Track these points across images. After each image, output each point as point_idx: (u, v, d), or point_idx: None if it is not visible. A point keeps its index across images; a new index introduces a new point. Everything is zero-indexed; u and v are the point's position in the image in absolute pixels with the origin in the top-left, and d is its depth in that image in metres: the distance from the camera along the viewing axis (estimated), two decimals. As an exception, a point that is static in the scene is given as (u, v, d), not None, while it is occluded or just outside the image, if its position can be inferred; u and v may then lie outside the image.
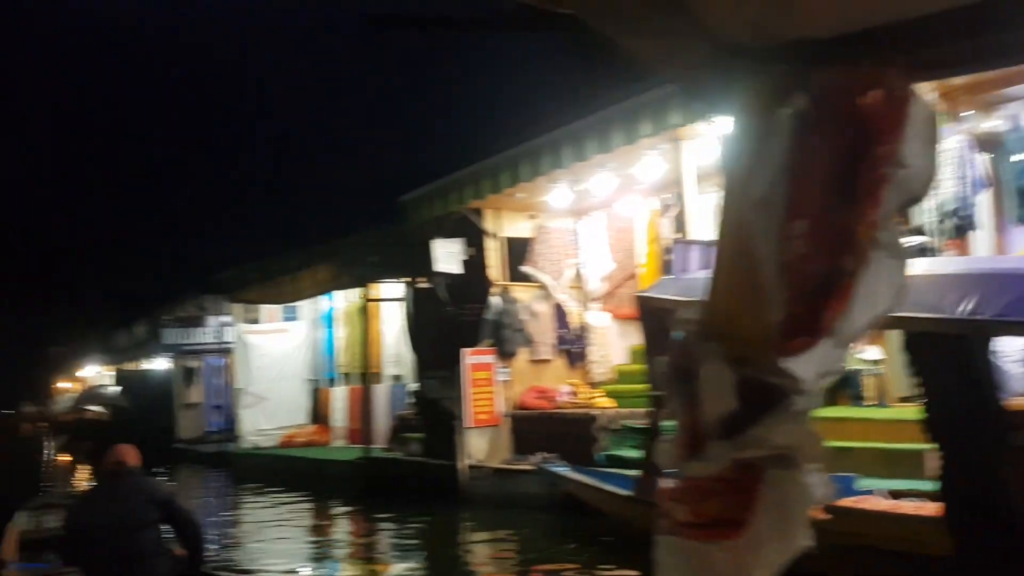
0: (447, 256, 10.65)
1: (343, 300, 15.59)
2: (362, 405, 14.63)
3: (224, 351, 18.94)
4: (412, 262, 11.55)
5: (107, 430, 24.02)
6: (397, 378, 14.61)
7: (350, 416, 15.02)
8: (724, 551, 1.33)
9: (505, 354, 10.84)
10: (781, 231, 1.24)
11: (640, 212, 11.57)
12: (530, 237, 11.38)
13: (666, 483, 1.55)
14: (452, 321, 10.91)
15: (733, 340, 1.31)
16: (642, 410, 10.08)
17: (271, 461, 14.52)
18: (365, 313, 14.85)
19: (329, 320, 16.01)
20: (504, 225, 11.23)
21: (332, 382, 16.03)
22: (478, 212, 10.95)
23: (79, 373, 37.56)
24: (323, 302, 16.18)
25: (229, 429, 18.89)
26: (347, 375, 15.65)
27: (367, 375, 12.89)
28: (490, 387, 10.61)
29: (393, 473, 11.46)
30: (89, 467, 20.98)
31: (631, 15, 1.36)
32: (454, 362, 10.60)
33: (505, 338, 10.80)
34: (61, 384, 41.57)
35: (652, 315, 7.05)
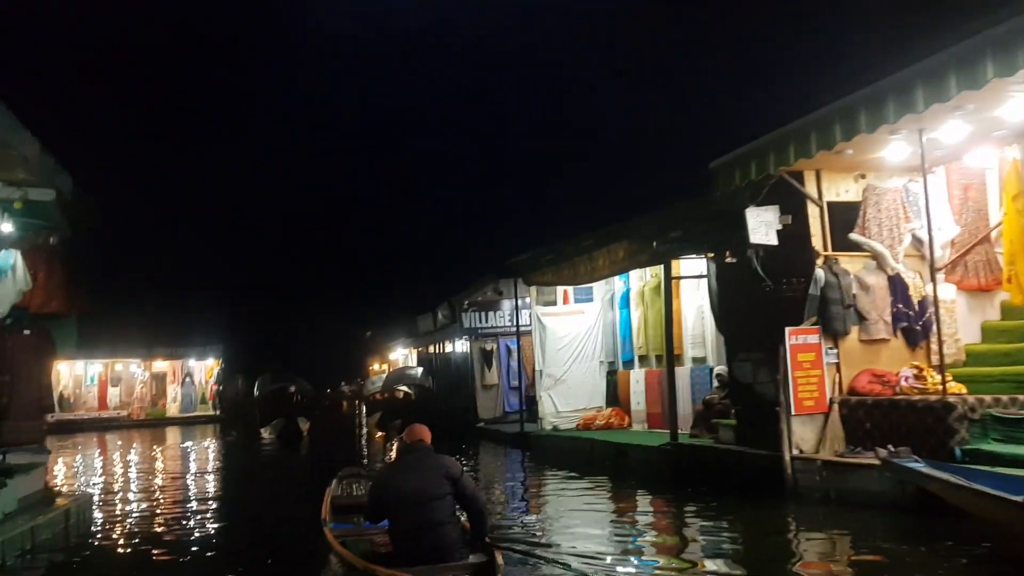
0: (762, 226, 9.64)
1: (638, 279, 15.06)
2: (661, 388, 14.04)
3: (519, 333, 19.23)
4: (718, 234, 10.69)
5: (414, 409, 25.59)
6: (699, 360, 13.83)
7: (648, 399, 14.49)
8: None
9: (833, 333, 9.63)
10: None
11: (994, 164, 9.80)
12: (858, 200, 10.04)
13: None
14: (768, 298, 9.89)
15: None
16: (1007, 396, 8.52)
17: (571, 443, 14.39)
18: (663, 292, 14.19)
19: (624, 300, 15.57)
20: (826, 188, 9.98)
21: (629, 364, 15.59)
22: (797, 175, 9.81)
23: (390, 355, 40.83)
24: (617, 282, 15.79)
25: (526, 410, 19.21)
26: (644, 357, 15.12)
27: (666, 357, 12.20)
28: (817, 370, 9.47)
29: (705, 462, 10.70)
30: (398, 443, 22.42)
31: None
32: (771, 343, 9.60)
33: (832, 315, 9.59)
34: (374, 366, 45.57)
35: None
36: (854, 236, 9.91)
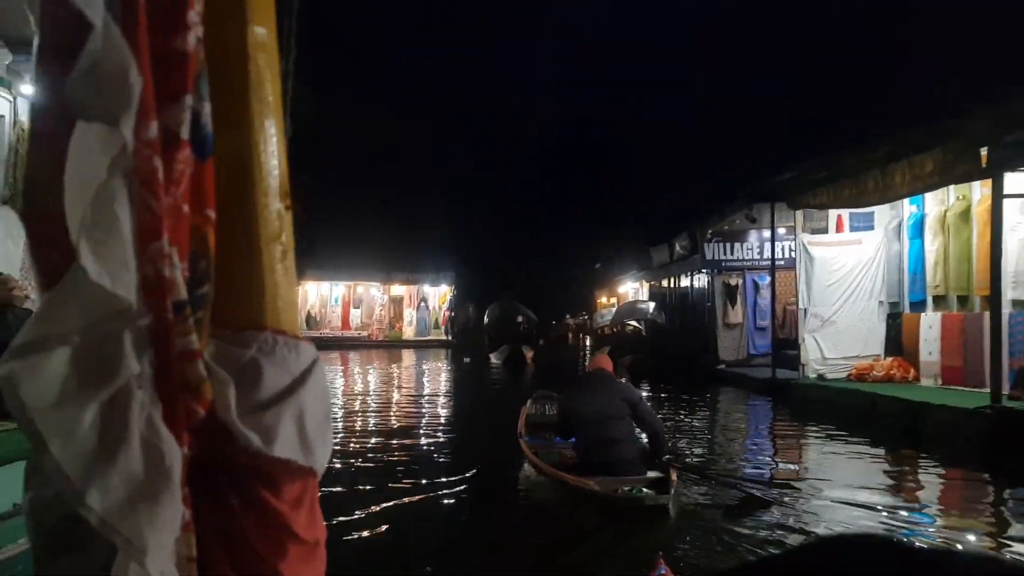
0: None
1: (937, 202, 12.27)
2: (965, 337, 11.38)
3: (774, 267, 16.88)
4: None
5: (644, 345, 24.11)
6: (1021, 304, 10.96)
7: (944, 350, 11.84)
8: None
9: None
10: None
11: None
12: None
13: None
14: None
15: None
16: None
17: (843, 397, 12.11)
18: (976, 216, 11.40)
19: (916, 228, 12.80)
20: None
21: (918, 306, 12.91)
22: None
23: (618, 289, 39.44)
24: (907, 206, 13.05)
25: (774, 353, 17.12)
26: (940, 298, 12.39)
27: (991, 298, 9.56)
28: None
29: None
30: (630, 380, 21.13)
31: None
32: None
33: None
34: (601, 299, 44.44)
35: None
36: None
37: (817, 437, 10.91)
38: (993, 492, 7.78)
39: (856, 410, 11.46)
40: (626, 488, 5.68)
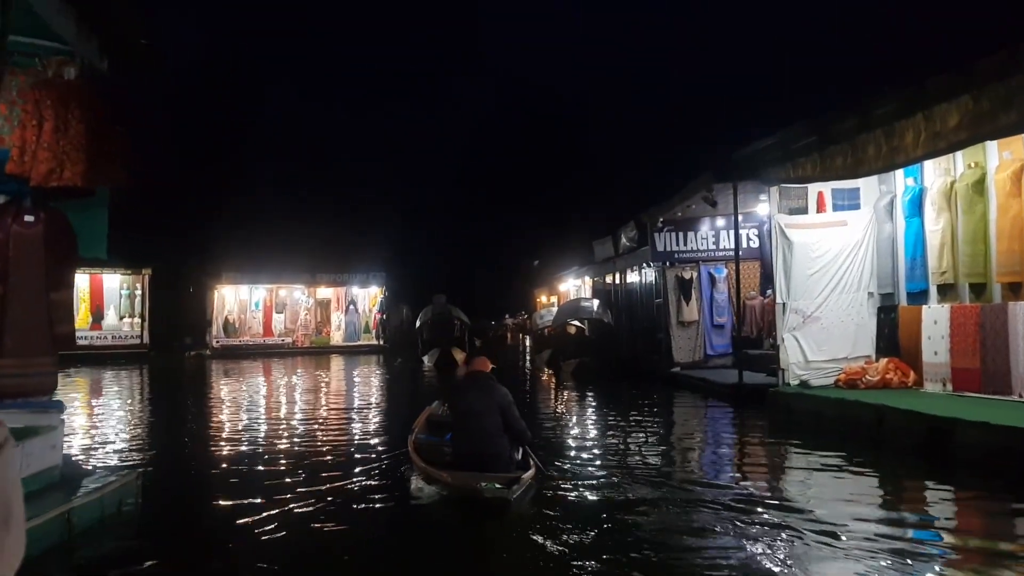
0: None
1: (940, 173, 10.30)
2: (983, 333, 9.43)
3: (738, 257, 14.81)
4: None
5: (589, 348, 22.03)
6: (1055, 293, 9.03)
7: (955, 349, 9.87)
8: None
9: None
10: None
11: None
12: None
13: None
14: None
15: None
16: None
17: (837, 408, 10.03)
18: (989, 188, 9.46)
19: (914, 205, 10.84)
20: None
21: (918, 298, 10.94)
22: None
23: (559, 287, 37.30)
24: (900, 180, 11.10)
25: (735, 354, 15.21)
26: (947, 287, 10.43)
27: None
28: None
29: None
30: (575, 386, 19.01)
31: None
32: None
33: None
34: (541, 298, 42.27)
35: None
36: None
37: (810, 461, 8.78)
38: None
39: (858, 426, 9.40)
40: (483, 484, 5.77)
